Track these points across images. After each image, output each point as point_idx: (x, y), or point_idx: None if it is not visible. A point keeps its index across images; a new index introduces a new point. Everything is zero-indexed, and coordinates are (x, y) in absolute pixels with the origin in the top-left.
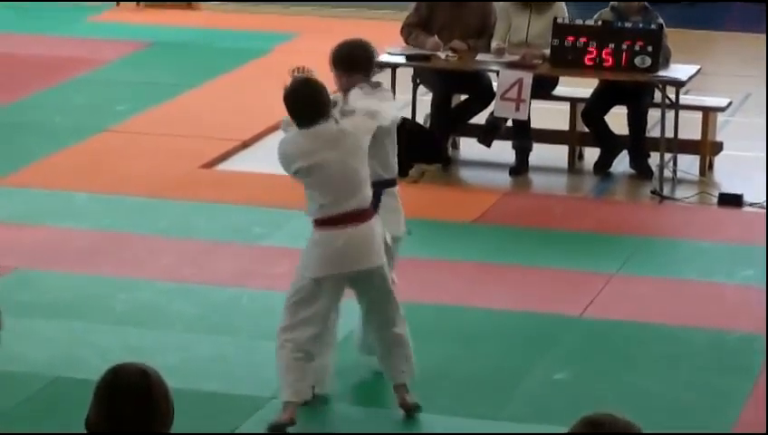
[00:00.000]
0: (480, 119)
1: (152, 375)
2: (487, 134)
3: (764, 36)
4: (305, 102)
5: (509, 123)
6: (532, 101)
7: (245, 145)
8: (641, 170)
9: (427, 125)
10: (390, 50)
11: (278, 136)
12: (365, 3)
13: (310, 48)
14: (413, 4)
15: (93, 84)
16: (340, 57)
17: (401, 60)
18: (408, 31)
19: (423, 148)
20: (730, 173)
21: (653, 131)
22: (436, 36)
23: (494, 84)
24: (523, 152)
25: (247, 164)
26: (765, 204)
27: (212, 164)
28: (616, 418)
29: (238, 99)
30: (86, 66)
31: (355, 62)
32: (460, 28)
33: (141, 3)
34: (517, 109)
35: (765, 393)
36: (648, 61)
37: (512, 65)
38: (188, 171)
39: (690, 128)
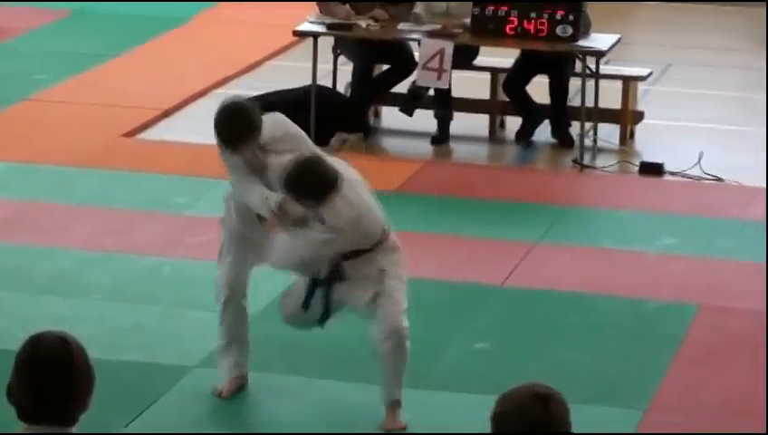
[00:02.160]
0: (402, 88)
1: (72, 343)
2: (409, 103)
3: (685, 5)
4: None
5: (431, 92)
6: (453, 71)
7: (166, 114)
8: (562, 139)
9: (348, 94)
10: (311, 19)
11: (199, 105)
12: None
13: (231, 17)
14: None
15: (11, 53)
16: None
17: (322, 29)
18: (323, 0)
19: (344, 117)
20: (651, 142)
21: (574, 101)
22: (347, 6)
23: (416, 54)
24: (444, 121)
25: (168, 133)
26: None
27: (133, 133)
28: (552, 389)
29: (159, 68)
30: (4, 35)
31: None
32: None
33: None
34: (439, 78)
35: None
36: (569, 30)
37: (433, 34)
38: (109, 141)
39: (611, 97)
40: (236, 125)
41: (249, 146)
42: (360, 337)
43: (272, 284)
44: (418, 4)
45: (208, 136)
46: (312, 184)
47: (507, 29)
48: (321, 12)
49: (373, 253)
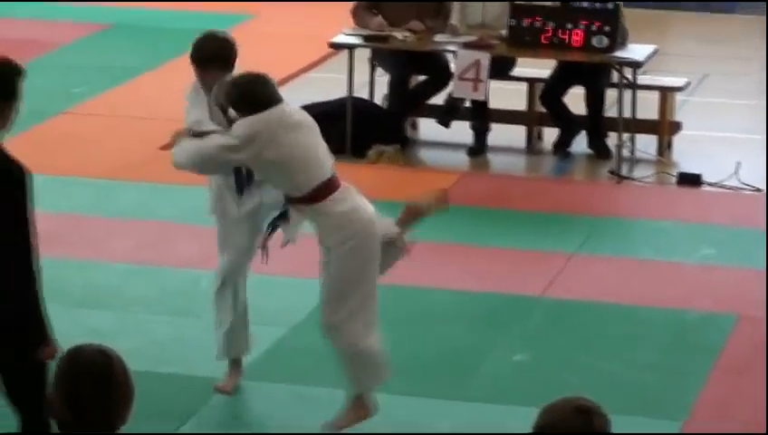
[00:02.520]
0: (438, 99)
1: (112, 356)
2: (446, 115)
3: (721, 17)
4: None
5: (467, 104)
6: (490, 82)
7: None
8: (600, 150)
9: (385, 106)
10: (347, 31)
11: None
12: None
13: (267, 29)
14: None
15: (50, 67)
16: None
17: (358, 41)
18: (357, 11)
19: (381, 129)
20: (688, 153)
21: (611, 111)
22: (380, 17)
23: (452, 65)
24: (481, 133)
25: None
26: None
27: (170, 146)
28: (594, 402)
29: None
30: (43, 49)
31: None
32: (414, 9)
33: None
34: (475, 89)
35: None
36: (606, 41)
37: (469, 46)
38: (147, 153)
39: (648, 108)
40: (211, 45)
41: (217, 72)
42: (401, 349)
43: (309, 296)
44: (454, 15)
45: None
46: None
47: (543, 39)
48: (355, 23)
49: (315, 211)
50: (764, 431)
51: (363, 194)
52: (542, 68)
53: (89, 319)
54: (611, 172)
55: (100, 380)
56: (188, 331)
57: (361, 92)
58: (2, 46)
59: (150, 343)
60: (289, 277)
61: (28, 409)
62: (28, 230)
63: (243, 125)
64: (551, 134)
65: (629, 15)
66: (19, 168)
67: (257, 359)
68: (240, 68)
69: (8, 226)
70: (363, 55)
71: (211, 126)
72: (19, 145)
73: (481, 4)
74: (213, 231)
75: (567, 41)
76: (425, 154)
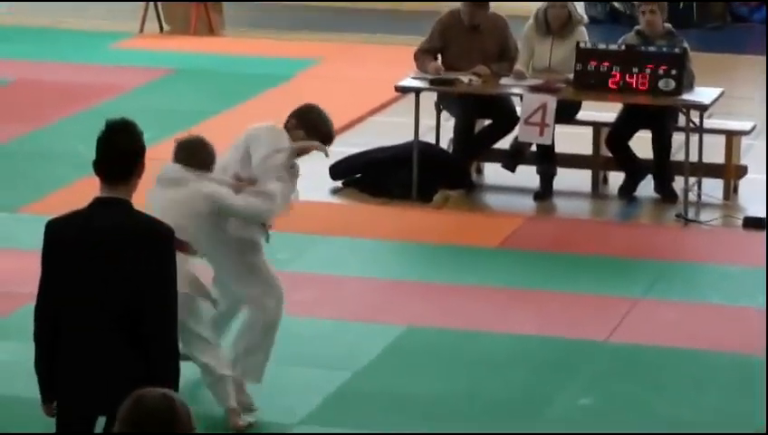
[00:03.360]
0: (504, 143)
1: (175, 399)
2: (511, 159)
3: None
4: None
5: (533, 148)
6: (555, 126)
7: None
8: (666, 194)
9: (451, 150)
10: (413, 75)
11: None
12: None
13: (333, 74)
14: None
15: (116, 112)
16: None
17: (424, 84)
18: (418, 56)
19: (446, 173)
20: (754, 197)
21: (677, 155)
22: (437, 61)
23: (518, 109)
24: (547, 177)
25: None
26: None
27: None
28: None
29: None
30: (109, 93)
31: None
32: (478, 54)
33: (164, 31)
34: (541, 133)
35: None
36: (672, 84)
37: (535, 89)
38: None
39: (714, 151)
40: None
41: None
42: (467, 393)
43: (373, 341)
44: (521, 60)
45: (311, 193)
46: None
47: (610, 83)
48: (417, 67)
49: None
50: (765, 432)
51: (429, 238)
52: (607, 111)
53: None
54: (678, 216)
55: (163, 423)
56: None
57: (427, 136)
58: (72, 91)
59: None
60: (352, 322)
61: None
62: (173, 290)
63: None
64: (617, 178)
65: (696, 59)
66: (167, 228)
67: (321, 404)
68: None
69: (154, 286)
70: (429, 99)
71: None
72: (86, 189)
73: (548, 48)
74: (284, 275)
75: (634, 84)
76: (490, 198)
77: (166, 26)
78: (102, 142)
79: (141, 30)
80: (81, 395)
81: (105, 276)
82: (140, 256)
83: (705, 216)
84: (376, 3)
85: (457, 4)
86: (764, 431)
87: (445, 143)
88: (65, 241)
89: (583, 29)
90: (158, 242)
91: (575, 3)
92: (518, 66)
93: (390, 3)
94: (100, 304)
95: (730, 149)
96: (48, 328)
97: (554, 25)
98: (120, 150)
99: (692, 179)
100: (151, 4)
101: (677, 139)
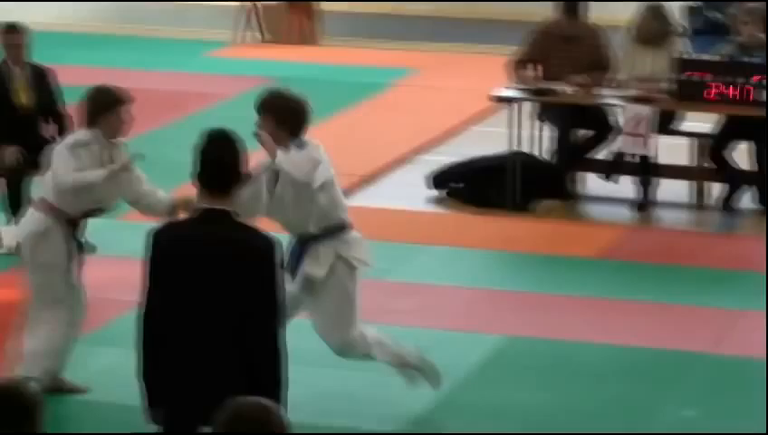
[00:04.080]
0: (603, 153)
1: (272, 410)
2: (611, 169)
3: None
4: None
5: (633, 158)
6: (656, 136)
7: (368, 181)
8: None
9: (551, 160)
10: (510, 85)
11: (399, 171)
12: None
13: (430, 83)
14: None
15: (213, 120)
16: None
17: (522, 94)
18: (513, 66)
19: (546, 183)
20: None
21: None
22: (530, 71)
23: (618, 119)
24: (647, 187)
25: (370, 199)
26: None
27: None
28: None
29: (359, 134)
30: (206, 102)
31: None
32: (575, 63)
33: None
34: (642, 144)
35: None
36: None
37: (636, 100)
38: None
39: None
40: None
41: None
42: (570, 405)
43: (473, 351)
44: (622, 69)
45: (409, 202)
46: None
47: (710, 94)
48: (511, 77)
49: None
50: (765, 432)
51: (528, 248)
52: (708, 122)
53: None
54: None
55: (259, 433)
56: (354, 383)
57: (524, 146)
58: (168, 99)
59: (317, 395)
60: (451, 332)
61: None
62: (278, 303)
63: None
64: (718, 189)
65: None
66: (271, 239)
67: (421, 413)
68: (405, 122)
69: (260, 298)
70: (527, 109)
71: None
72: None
73: (647, 58)
74: (375, 284)
75: (735, 96)
76: (590, 208)
77: (265, 35)
78: (204, 153)
79: (240, 39)
80: (186, 405)
81: (212, 288)
82: (247, 268)
83: None
84: (472, 12)
85: (553, 14)
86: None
87: (543, 153)
88: (172, 251)
89: (682, 39)
90: (264, 254)
91: (673, 13)
92: (618, 76)
93: (487, 12)
94: (207, 315)
95: None
96: (154, 336)
97: (652, 36)
98: (223, 162)
99: None
100: (253, 13)
101: None
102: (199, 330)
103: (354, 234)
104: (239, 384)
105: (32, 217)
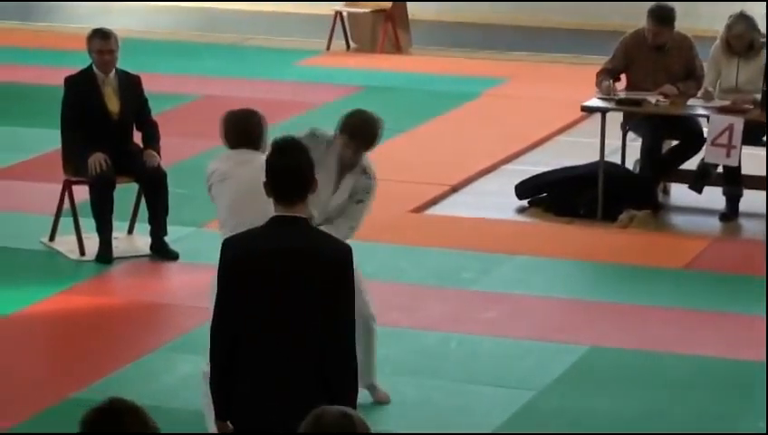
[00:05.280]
0: (691, 164)
1: (354, 417)
2: (698, 180)
3: None
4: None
5: (720, 169)
6: (743, 147)
7: (455, 189)
8: None
9: (637, 171)
10: (599, 95)
11: (487, 180)
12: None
13: (520, 93)
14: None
15: (303, 128)
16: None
17: (610, 105)
18: (599, 76)
19: (633, 193)
20: None
21: None
22: (608, 82)
23: (705, 130)
24: (733, 198)
25: (456, 208)
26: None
27: (421, 208)
28: None
29: (448, 143)
30: (296, 110)
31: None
32: (664, 74)
33: (351, 49)
34: (728, 155)
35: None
36: None
37: (722, 110)
38: (398, 215)
39: None
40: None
41: None
42: (650, 415)
43: (555, 360)
44: (708, 81)
45: (496, 211)
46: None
47: None
48: (596, 86)
49: None
50: (765, 432)
51: (614, 258)
52: None
53: None
54: None
55: None
56: (436, 392)
57: (613, 157)
58: (258, 107)
59: (398, 404)
60: (536, 341)
61: None
62: (353, 313)
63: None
64: None
65: None
66: (347, 247)
67: (505, 422)
68: (493, 131)
69: (336, 308)
70: (614, 119)
71: None
72: None
73: (734, 68)
74: (461, 293)
75: None
76: (676, 219)
77: (353, 45)
78: (273, 162)
79: (328, 48)
80: (259, 418)
81: (287, 298)
82: (323, 278)
83: None
84: (562, 21)
85: (642, 24)
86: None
87: (630, 163)
88: (246, 261)
89: None
90: (340, 264)
91: (760, 22)
92: (705, 86)
93: (576, 21)
94: (282, 326)
95: None
96: (227, 347)
97: (738, 45)
98: (292, 169)
99: None
100: (339, 22)
101: None
102: (274, 341)
103: None
104: (315, 399)
105: None
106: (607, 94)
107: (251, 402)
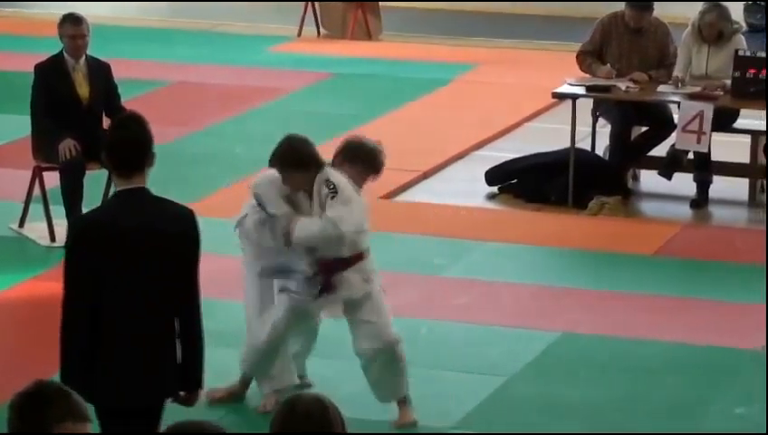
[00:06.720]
0: (660, 151)
1: (328, 405)
2: (668, 166)
3: None
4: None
5: (690, 156)
6: (712, 134)
7: (425, 176)
8: None
9: (607, 157)
10: (570, 81)
11: (457, 167)
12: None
13: (490, 79)
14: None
15: (274, 114)
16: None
17: (581, 91)
18: (583, 58)
19: (602, 180)
20: None
21: None
22: (608, 65)
23: (675, 116)
24: (703, 185)
25: (427, 195)
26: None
27: (392, 195)
28: None
29: (418, 129)
30: (267, 97)
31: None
32: (638, 58)
33: (322, 35)
34: (698, 141)
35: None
36: None
37: (693, 97)
38: (368, 202)
39: None
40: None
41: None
42: (622, 402)
43: (527, 346)
44: (678, 67)
45: (467, 198)
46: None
47: None
48: (581, 69)
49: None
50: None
51: (583, 245)
52: (764, 119)
53: (312, 367)
54: None
55: (316, 428)
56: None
57: (582, 143)
58: (230, 93)
59: (364, 390)
60: (507, 328)
61: None
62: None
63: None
64: None
65: None
66: (189, 210)
67: (475, 408)
68: (463, 117)
69: (184, 285)
70: (584, 105)
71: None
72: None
73: (705, 55)
74: (431, 279)
75: None
76: (646, 206)
77: (323, 31)
78: (112, 135)
79: (299, 34)
80: (123, 392)
81: (137, 269)
82: (168, 244)
83: None
84: (532, 8)
85: (619, 6)
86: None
87: (600, 150)
88: (95, 238)
89: (741, 37)
90: (183, 225)
91: (732, 10)
92: (676, 73)
93: (546, 8)
94: (133, 297)
95: None
96: (83, 323)
97: (709, 33)
98: (131, 141)
99: None
100: (309, 8)
101: None
102: (134, 311)
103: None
104: (173, 363)
105: None
106: (608, 78)
107: (112, 377)
